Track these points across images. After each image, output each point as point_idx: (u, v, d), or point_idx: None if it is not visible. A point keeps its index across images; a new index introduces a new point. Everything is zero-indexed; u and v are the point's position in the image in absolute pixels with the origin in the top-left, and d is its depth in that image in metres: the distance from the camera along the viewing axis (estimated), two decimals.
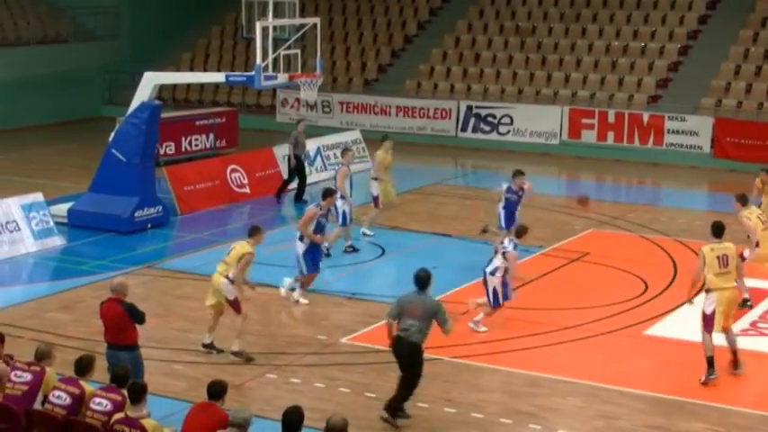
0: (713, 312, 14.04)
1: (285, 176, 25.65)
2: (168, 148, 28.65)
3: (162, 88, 28.11)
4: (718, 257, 14.13)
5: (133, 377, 10.84)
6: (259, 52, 21.46)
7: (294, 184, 25.39)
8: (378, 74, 36.31)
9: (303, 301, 17.21)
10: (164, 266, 19.70)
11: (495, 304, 15.96)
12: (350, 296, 17.81)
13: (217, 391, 10.35)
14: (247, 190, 25.49)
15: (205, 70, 36.59)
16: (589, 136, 31.66)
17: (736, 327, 15.04)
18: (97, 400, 10.50)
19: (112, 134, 22.41)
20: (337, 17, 38.73)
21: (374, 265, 19.93)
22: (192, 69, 37.13)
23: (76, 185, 24.13)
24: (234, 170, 25.47)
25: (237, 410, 9.92)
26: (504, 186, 19.44)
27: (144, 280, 18.68)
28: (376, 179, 21.40)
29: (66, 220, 21.95)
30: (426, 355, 14.86)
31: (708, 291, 14.19)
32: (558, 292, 17.87)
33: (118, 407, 10.36)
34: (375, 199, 21.50)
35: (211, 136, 30.18)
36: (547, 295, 17.74)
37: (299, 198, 25.08)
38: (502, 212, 19.33)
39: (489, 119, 32.90)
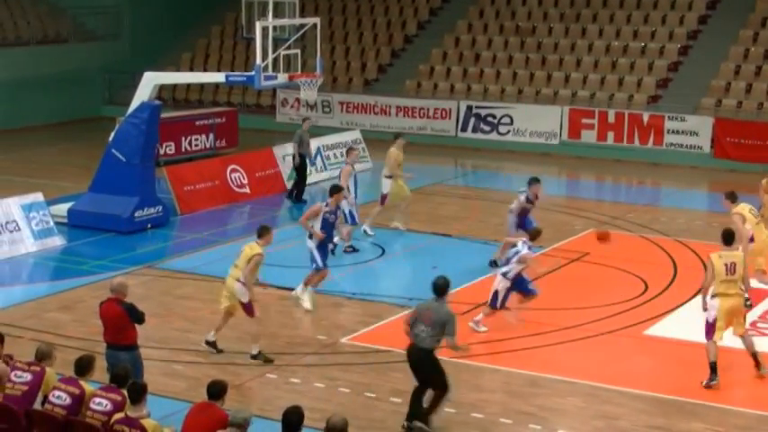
0: (714, 320, 14.06)
1: (289, 176, 25.71)
2: (168, 148, 28.64)
3: (162, 88, 28.13)
4: (725, 264, 14.13)
5: (133, 377, 10.85)
6: (259, 52, 21.47)
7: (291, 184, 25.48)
8: (378, 74, 36.31)
9: (306, 305, 16.93)
10: (164, 266, 19.70)
11: (493, 305, 15.93)
12: (350, 296, 17.81)
13: (217, 391, 10.35)
14: (247, 190, 25.49)
15: (205, 70, 36.59)
16: (589, 136, 31.67)
17: None
18: (97, 400, 10.50)
19: (112, 134, 22.41)
20: (337, 17, 38.74)
21: (374, 265, 19.93)
22: (191, 69, 37.14)
23: (77, 185, 24.13)
24: (234, 170, 25.47)
25: (237, 410, 9.92)
26: (523, 198, 19.20)
27: (144, 280, 18.68)
28: (390, 177, 21.39)
29: (66, 220, 21.95)
30: None
31: (712, 296, 14.21)
32: (558, 292, 17.86)
33: (118, 407, 10.36)
34: (383, 197, 21.50)
35: (211, 136, 30.18)
36: (547, 295, 17.67)
37: (298, 198, 25.07)
38: (514, 220, 19.06)
39: (489, 119, 32.90)
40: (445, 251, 20.83)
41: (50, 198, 22.10)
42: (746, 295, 16.63)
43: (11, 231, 20.40)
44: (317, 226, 16.94)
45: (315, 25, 22.83)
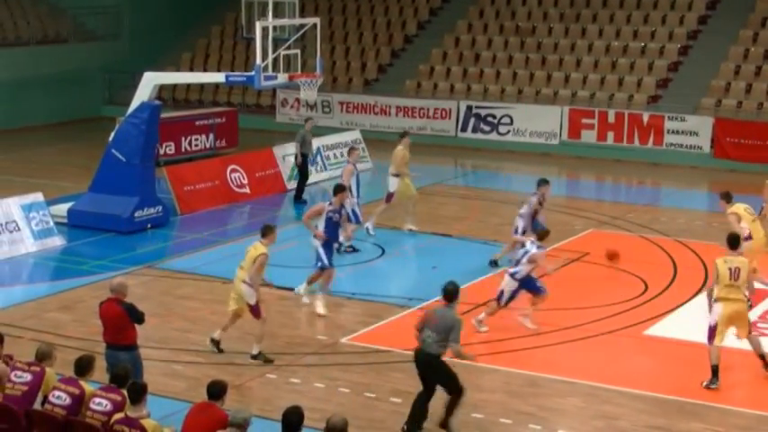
0: (715, 324, 14.08)
1: (291, 177, 25.72)
2: (168, 148, 28.64)
3: (162, 88, 28.15)
4: (729, 269, 14.13)
5: (133, 377, 10.85)
6: (259, 52, 21.47)
7: (295, 183, 25.46)
8: (378, 74, 36.32)
9: (320, 310, 16.79)
10: (164, 266, 19.70)
11: (498, 302, 15.92)
12: (350, 296, 17.81)
13: (217, 391, 10.35)
14: (247, 190, 25.49)
15: (205, 70, 36.60)
16: (589, 136, 31.67)
17: None
18: (97, 400, 10.50)
19: (112, 134, 22.41)
20: (337, 17, 38.74)
21: (374, 265, 19.93)
22: (191, 69, 37.14)
23: (77, 185, 24.13)
24: (234, 170, 25.47)
25: (237, 410, 9.91)
26: (535, 200, 19.05)
27: (144, 280, 18.68)
28: (397, 175, 21.38)
29: (66, 220, 21.95)
30: None
31: (715, 301, 14.22)
32: (558, 292, 17.83)
33: (118, 407, 10.36)
34: (389, 195, 21.50)
35: (211, 136, 30.18)
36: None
37: (298, 197, 25.07)
38: (521, 223, 18.86)
39: (489, 119, 32.91)
40: (445, 251, 20.83)
41: (50, 198, 22.10)
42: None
43: (11, 231, 20.40)
44: (320, 225, 16.85)
45: (315, 25, 22.85)
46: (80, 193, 22.86)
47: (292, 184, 25.93)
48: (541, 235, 16.47)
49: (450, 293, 12.61)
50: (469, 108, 33.11)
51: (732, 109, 30.76)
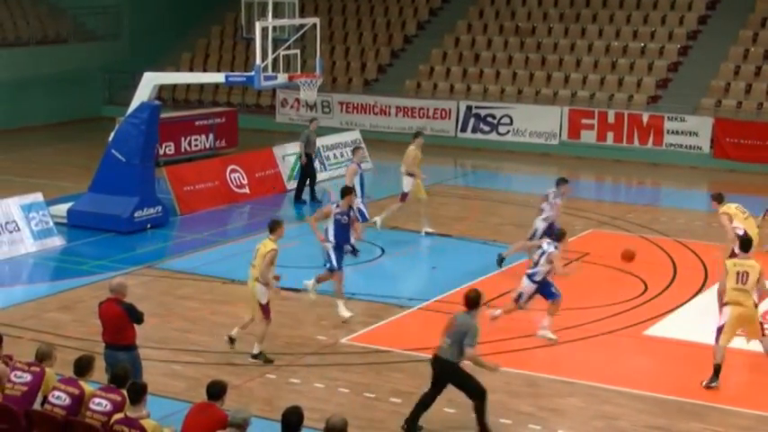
0: (722, 325, 14.10)
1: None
2: (168, 149, 28.64)
3: (162, 88, 28.15)
4: (737, 273, 14.10)
5: (132, 377, 10.84)
6: (259, 52, 21.47)
7: (295, 183, 25.47)
8: (377, 74, 36.32)
9: (344, 314, 16.59)
10: (163, 266, 19.70)
11: (517, 302, 15.84)
12: (350, 296, 17.79)
13: (216, 391, 10.35)
14: (247, 190, 25.49)
15: (205, 70, 36.59)
16: (589, 136, 31.68)
17: None
18: (97, 400, 10.49)
19: (112, 134, 22.40)
20: (337, 17, 38.74)
21: (374, 265, 19.93)
22: (191, 69, 37.14)
23: (77, 185, 24.13)
24: (233, 170, 25.47)
25: (237, 410, 9.91)
26: (559, 201, 18.93)
27: (144, 280, 18.68)
28: (411, 175, 21.34)
29: (65, 221, 21.95)
30: (426, 354, 14.90)
31: (725, 304, 14.21)
32: None
33: (117, 407, 10.36)
34: (404, 195, 21.47)
35: (211, 136, 30.18)
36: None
37: (298, 197, 25.07)
38: (542, 225, 18.74)
39: (489, 119, 32.91)
40: (445, 251, 20.83)
41: (50, 198, 22.09)
42: None
43: (10, 232, 20.39)
44: (329, 228, 16.70)
45: (314, 25, 22.84)
46: (80, 194, 22.86)
47: (292, 184, 25.93)
48: (559, 236, 16.22)
49: (470, 300, 12.52)
50: (469, 108, 33.12)
51: (732, 109, 30.76)
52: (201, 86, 36.70)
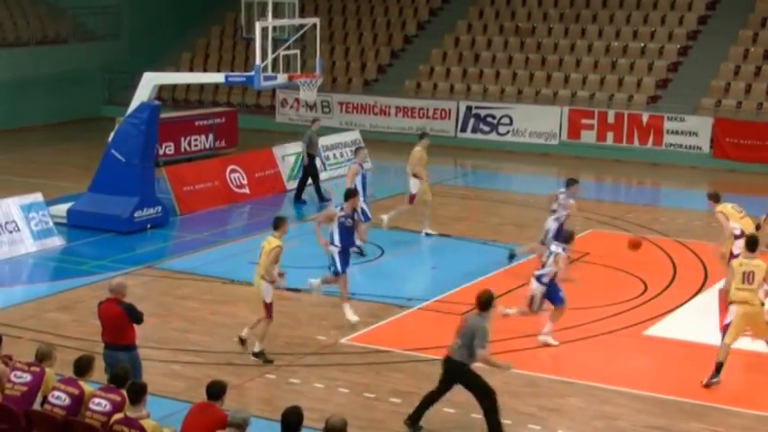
0: (729, 323, 14.09)
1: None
2: (168, 149, 28.63)
3: (162, 88, 28.14)
4: (743, 273, 14.08)
5: (131, 377, 10.84)
6: (258, 52, 21.47)
7: (295, 183, 25.47)
8: (377, 74, 36.32)
9: (351, 317, 16.45)
10: (163, 267, 19.70)
11: (531, 308, 15.71)
12: (349, 296, 17.77)
13: (216, 391, 10.35)
14: (247, 190, 25.49)
15: (205, 70, 36.59)
16: (588, 136, 31.67)
17: None
18: (96, 400, 10.49)
19: (112, 134, 22.40)
20: (337, 17, 38.74)
21: (374, 266, 19.92)
22: (191, 69, 37.14)
23: (77, 185, 24.12)
24: (233, 170, 25.47)
25: (236, 411, 9.91)
26: (574, 201, 18.85)
27: (144, 280, 18.68)
28: (416, 176, 21.34)
29: (65, 221, 21.95)
30: (426, 354, 14.93)
31: (730, 303, 14.20)
32: None
33: (117, 407, 10.35)
34: (411, 196, 21.44)
35: (211, 136, 30.18)
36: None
37: (298, 198, 25.07)
38: (554, 225, 18.59)
39: (489, 119, 32.91)
40: (445, 251, 20.82)
41: (50, 198, 22.09)
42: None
43: (10, 232, 20.39)
44: (334, 232, 16.53)
45: (314, 25, 22.85)
46: (80, 194, 22.85)
47: (292, 184, 25.93)
48: (567, 237, 16.11)
49: (481, 301, 12.45)
50: (469, 108, 33.11)
51: (732, 109, 30.77)
52: (201, 86, 36.70)
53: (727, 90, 31.32)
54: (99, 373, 11.55)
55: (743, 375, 14.59)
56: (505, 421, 13.01)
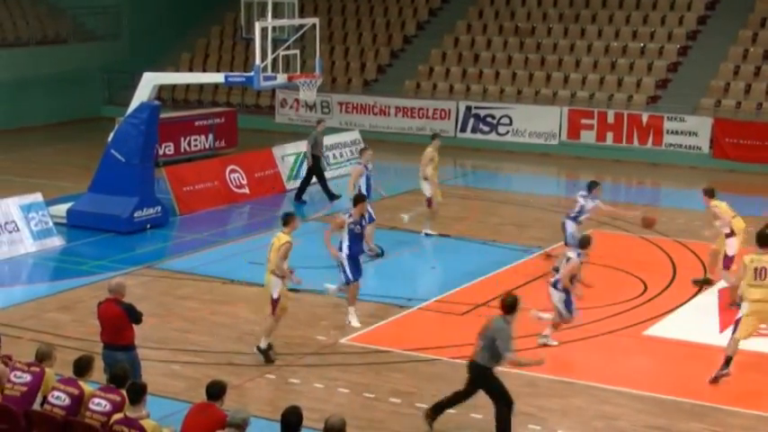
0: (740, 318, 14.05)
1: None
2: (167, 149, 28.63)
3: (161, 88, 28.13)
4: (755, 269, 13.97)
5: (131, 377, 10.84)
6: (258, 53, 21.47)
7: (297, 183, 25.46)
8: (377, 74, 36.31)
9: (354, 323, 16.35)
10: (163, 267, 19.69)
11: (566, 316, 15.54)
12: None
13: (216, 391, 10.35)
14: (246, 190, 25.48)
15: (204, 70, 36.59)
16: (588, 136, 31.66)
17: None
18: (96, 400, 10.49)
19: (112, 134, 22.40)
20: (337, 17, 38.74)
21: (374, 266, 19.90)
22: (191, 69, 37.13)
23: (76, 185, 24.12)
24: (233, 170, 25.46)
25: (236, 411, 9.91)
26: (595, 203, 18.88)
27: (143, 280, 18.67)
28: (427, 179, 21.28)
29: (65, 221, 21.94)
30: (426, 355, 14.93)
31: (742, 300, 14.17)
32: None
33: (117, 407, 10.35)
34: (429, 200, 21.41)
35: (210, 136, 30.17)
36: (546, 296, 17.68)
37: (298, 198, 25.06)
38: (575, 227, 18.67)
39: (488, 119, 32.91)
40: (445, 251, 20.82)
41: (50, 198, 22.09)
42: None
43: (10, 232, 20.39)
44: (344, 239, 16.34)
45: (314, 26, 22.84)
46: (79, 194, 22.85)
47: (291, 185, 25.93)
48: (582, 242, 15.86)
49: (506, 305, 12.37)
50: (469, 108, 33.11)
51: (731, 109, 30.77)
52: (201, 86, 36.69)
53: (726, 90, 31.32)
54: (99, 373, 11.56)
55: (743, 375, 14.57)
56: None
